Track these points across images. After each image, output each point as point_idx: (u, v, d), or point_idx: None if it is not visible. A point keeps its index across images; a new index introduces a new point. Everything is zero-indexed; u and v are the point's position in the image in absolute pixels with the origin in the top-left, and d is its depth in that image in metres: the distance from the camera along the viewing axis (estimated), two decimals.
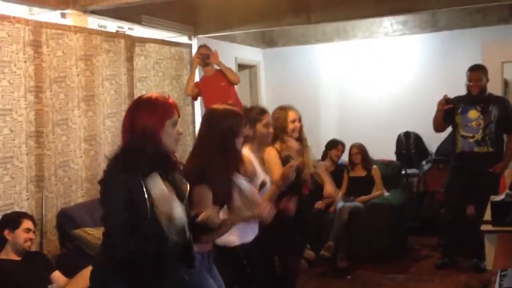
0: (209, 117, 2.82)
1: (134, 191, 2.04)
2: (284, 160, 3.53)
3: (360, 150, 5.74)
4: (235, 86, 5.54)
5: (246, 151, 3.14)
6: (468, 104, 4.81)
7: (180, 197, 2.24)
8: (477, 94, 4.75)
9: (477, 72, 4.78)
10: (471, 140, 4.77)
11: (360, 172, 5.71)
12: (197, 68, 5.54)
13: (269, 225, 2.99)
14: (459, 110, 4.82)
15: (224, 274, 2.81)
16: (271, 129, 3.35)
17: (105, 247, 2.19)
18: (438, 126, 4.97)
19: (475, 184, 4.72)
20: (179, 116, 2.24)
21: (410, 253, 5.55)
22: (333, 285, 4.82)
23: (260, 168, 3.25)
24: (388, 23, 6.92)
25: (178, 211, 2.12)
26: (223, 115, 2.76)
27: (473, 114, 4.79)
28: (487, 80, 4.80)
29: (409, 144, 6.65)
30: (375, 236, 5.32)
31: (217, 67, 5.45)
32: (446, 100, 4.70)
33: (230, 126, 2.71)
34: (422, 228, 5.90)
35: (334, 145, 5.97)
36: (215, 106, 2.87)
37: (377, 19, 6.72)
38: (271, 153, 3.53)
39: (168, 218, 2.08)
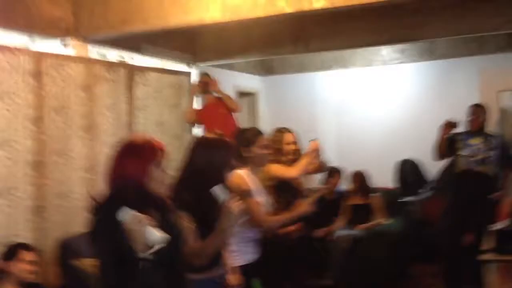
0: (199, 146, 2.79)
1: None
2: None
3: (359, 178, 5.74)
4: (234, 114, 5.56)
5: (244, 173, 3.14)
6: (468, 136, 4.92)
7: (170, 231, 2.21)
8: (476, 129, 4.87)
9: (477, 109, 4.96)
10: (472, 159, 4.81)
11: (359, 200, 5.69)
12: (199, 96, 5.59)
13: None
14: (459, 140, 4.90)
15: None
16: (266, 151, 3.32)
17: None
18: (442, 151, 5.01)
19: (473, 210, 4.69)
20: (163, 157, 2.23)
21: (411, 281, 5.50)
22: None
23: (259, 196, 3.23)
24: (386, 52, 6.98)
25: (154, 234, 2.10)
26: (214, 146, 2.75)
27: (474, 141, 4.88)
28: (484, 119, 4.95)
29: (407, 172, 6.65)
30: (376, 263, 5.27)
31: (217, 95, 5.48)
32: (449, 124, 4.83)
33: (220, 156, 2.69)
34: (423, 256, 5.85)
35: (330, 173, 5.94)
36: (206, 136, 2.89)
37: (375, 48, 6.78)
38: (272, 166, 3.54)
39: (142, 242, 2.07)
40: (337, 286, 5.08)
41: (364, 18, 5.10)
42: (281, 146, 3.77)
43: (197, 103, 5.85)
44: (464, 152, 4.85)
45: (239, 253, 3.01)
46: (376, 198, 5.68)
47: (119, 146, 2.31)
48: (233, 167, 2.85)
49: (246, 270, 3.01)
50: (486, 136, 4.89)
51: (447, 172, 5.19)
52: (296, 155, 3.90)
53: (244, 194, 2.95)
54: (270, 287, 3.35)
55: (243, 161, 3.18)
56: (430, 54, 6.77)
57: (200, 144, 2.84)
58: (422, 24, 4.97)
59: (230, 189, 2.65)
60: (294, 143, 3.84)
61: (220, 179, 2.63)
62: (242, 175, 3.13)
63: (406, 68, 7.04)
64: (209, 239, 2.48)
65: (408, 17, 4.96)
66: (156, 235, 2.11)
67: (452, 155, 4.96)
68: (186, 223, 2.44)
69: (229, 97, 5.49)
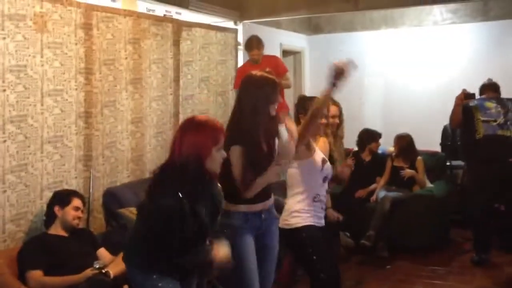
0: (246, 83, 2.91)
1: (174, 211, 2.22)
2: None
3: (405, 141, 5.66)
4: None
5: (289, 123, 3.16)
6: (483, 100, 4.82)
7: (216, 210, 2.43)
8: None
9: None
10: (494, 123, 4.69)
11: (403, 163, 5.63)
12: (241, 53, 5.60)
13: None
14: (473, 104, 4.80)
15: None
16: (324, 120, 3.32)
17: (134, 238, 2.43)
18: (457, 121, 4.92)
19: (503, 178, 4.62)
20: (225, 140, 2.36)
21: (452, 246, 5.46)
22: (372, 275, 4.80)
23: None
24: (438, 11, 6.76)
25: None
26: (259, 81, 2.84)
27: (489, 104, 4.78)
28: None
29: (455, 136, 6.50)
30: (417, 227, 5.24)
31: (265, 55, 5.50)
32: (465, 95, 4.72)
33: (264, 92, 2.80)
34: (466, 222, 5.78)
35: (373, 138, 5.84)
36: (253, 72, 2.96)
37: (427, 7, 6.58)
38: (326, 144, 3.54)
39: None
40: (376, 247, 5.10)
41: None
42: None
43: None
44: (483, 117, 4.72)
45: (303, 215, 3.08)
46: (420, 161, 5.61)
47: (187, 120, 2.43)
48: (279, 102, 2.89)
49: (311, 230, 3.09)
50: (501, 100, 4.76)
51: (469, 138, 4.98)
52: (338, 128, 3.87)
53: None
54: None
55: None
56: (484, 15, 6.52)
57: (246, 81, 2.92)
58: None
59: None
60: (338, 116, 3.80)
61: (266, 115, 2.77)
62: None
63: (458, 29, 6.81)
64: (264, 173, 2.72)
65: None
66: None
67: (469, 122, 4.81)
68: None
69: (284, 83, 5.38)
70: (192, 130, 2.31)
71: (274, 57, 5.92)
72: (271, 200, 2.97)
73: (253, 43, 5.51)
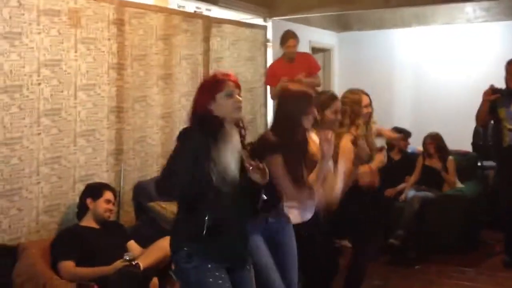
0: (282, 96, 3.11)
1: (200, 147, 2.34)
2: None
3: (436, 140, 5.59)
4: None
5: (313, 136, 3.15)
6: (509, 99, 4.62)
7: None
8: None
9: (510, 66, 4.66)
10: None
11: (435, 163, 5.55)
12: (273, 51, 5.60)
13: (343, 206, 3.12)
14: (501, 103, 4.64)
15: None
16: (339, 116, 3.33)
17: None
18: (483, 119, 4.83)
19: None
20: (238, 88, 2.49)
21: (482, 248, 5.37)
22: (401, 275, 4.75)
23: None
24: (471, 9, 6.63)
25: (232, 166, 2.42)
26: (293, 95, 2.96)
27: None
28: None
29: (487, 135, 6.39)
30: (447, 227, 5.17)
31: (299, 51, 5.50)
32: (492, 90, 4.58)
33: (299, 105, 2.88)
34: (497, 223, 5.68)
35: (403, 136, 5.77)
36: (290, 87, 3.09)
37: (459, 5, 6.47)
38: (348, 143, 3.51)
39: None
40: (405, 247, 5.05)
41: None
42: (359, 108, 3.65)
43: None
44: (509, 124, 4.58)
45: (300, 210, 3.05)
46: (451, 161, 5.53)
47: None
48: (314, 116, 2.93)
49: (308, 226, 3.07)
50: None
51: (498, 144, 4.89)
52: (369, 118, 3.84)
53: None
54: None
55: (314, 124, 3.18)
56: None
57: (282, 94, 3.13)
58: None
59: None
60: (370, 105, 3.76)
61: (300, 127, 2.88)
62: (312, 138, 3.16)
63: (491, 27, 6.69)
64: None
65: None
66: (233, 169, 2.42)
67: (494, 117, 4.71)
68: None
69: (309, 83, 5.35)
70: (198, 89, 2.53)
71: (307, 54, 5.91)
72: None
73: (289, 34, 5.50)
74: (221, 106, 2.43)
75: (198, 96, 2.49)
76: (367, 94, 3.75)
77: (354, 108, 3.60)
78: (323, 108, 3.29)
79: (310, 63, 5.62)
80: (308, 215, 3.09)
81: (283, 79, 5.12)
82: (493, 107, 4.67)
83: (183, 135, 2.40)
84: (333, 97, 3.39)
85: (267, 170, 2.44)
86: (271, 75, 5.61)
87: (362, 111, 3.62)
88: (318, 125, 3.20)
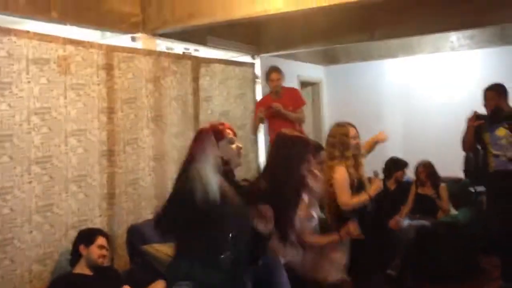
0: (279, 142, 3.00)
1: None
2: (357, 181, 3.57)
3: (428, 168, 5.62)
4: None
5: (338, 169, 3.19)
6: (494, 122, 4.67)
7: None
8: (491, 113, 4.68)
9: (489, 92, 4.78)
10: (504, 158, 4.58)
11: (428, 191, 5.58)
12: (262, 87, 5.67)
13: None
14: (485, 129, 4.69)
15: None
16: (324, 166, 3.37)
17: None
18: (469, 144, 4.86)
19: None
20: (235, 135, 2.62)
21: (481, 274, 5.34)
22: None
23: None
24: (455, 38, 6.76)
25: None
26: (291, 141, 2.92)
27: (501, 131, 4.63)
28: (505, 99, 4.73)
29: (478, 161, 6.42)
30: (444, 255, 5.15)
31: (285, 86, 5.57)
32: (476, 116, 4.65)
33: (297, 152, 2.85)
34: (491, 248, 5.66)
35: (400, 166, 5.81)
36: (284, 131, 3.02)
37: (444, 34, 6.59)
38: (342, 175, 3.54)
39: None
40: (402, 277, 5.01)
41: (431, 3, 4.97)
42: (348, 140, 3.72)
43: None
44: (494, 149, 4.63)
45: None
46: (443, 188, 5.55)
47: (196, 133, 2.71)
48: (310, 162, 2.92)
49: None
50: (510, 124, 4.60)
51: (481, 169, 4.92)
52: (358, 150, 3.89)
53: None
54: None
55: None
56: (501, 40, 6.50)
57: (279, 140, 3.02)
58: (492, 8, 4.78)
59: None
60: (357, 137, 3.82)
61: (296, 174, 2.82)
62: None
63: (476, 54, 6.80)
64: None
65: (478, 1, 4.79)
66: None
67: (479, 142, 4.77)
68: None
69: (294, 118, 5.47)
70: (198, 137, 2.60)
71: (293, 89, 5.98)
72: None
73: (270, 68, 5.63)
74: (225, 151, 2.56)
75: (195, 147, 2.55)
76: (354, 126, 3.83)
77: (343, 140, 3.66)
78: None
79: (296, 97, 5.70)
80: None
81: (261, 110, 5.39)
82: (479, 133, 4.73)
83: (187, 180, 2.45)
84: (318, 148, 3.41)
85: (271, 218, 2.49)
86: (257, 110, 5.68)
87: (351, 143, 3.69)
88: None
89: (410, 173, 6.02)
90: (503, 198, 4.63)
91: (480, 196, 6.27)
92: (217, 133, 2.57)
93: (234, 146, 2.61)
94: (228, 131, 2.63)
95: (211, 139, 2.51)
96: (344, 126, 3.77)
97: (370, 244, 3.72)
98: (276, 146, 3.01)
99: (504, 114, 4.65)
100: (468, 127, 4.76)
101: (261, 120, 5.59)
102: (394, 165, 5.80)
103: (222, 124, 2.66)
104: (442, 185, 5.58)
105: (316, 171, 3.07)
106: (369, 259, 3.70)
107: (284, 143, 2.94)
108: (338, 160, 3.63)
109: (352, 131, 3.74)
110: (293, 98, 5.66)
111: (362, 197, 3.58)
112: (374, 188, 3.58)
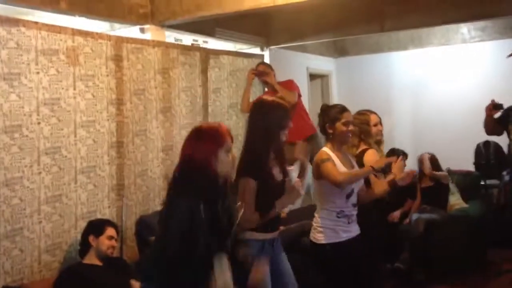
0: (258, 108, 2.97)
1: (194, 211, 2.21)
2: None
3: (435, 160, 5.59)
4: (302, 98, 5.51)
5: (327, 150, 3.15)
6: None
7: (231, 218, 2.44)
8: None
9: None
10: None
11: (428, 182, 5.56)
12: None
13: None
14: (510, 119, 4.69)
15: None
16: (351, 127, 3.23)
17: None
18: (492, 129, 4.88)
19: None
20: (232, 141, 2.38)
21: (490, 267, 5.30)
22: None
23: (342, 167, 3.19)
24: (466, 30, 6.70)
25: None
26: (270, 107, 2.89)
27: None
28: None
29: (489, 154, 6.38)
30: (453, 248, 5.13)
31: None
32: (493, 105, 4.65)
33: (276, 118, 2.84)
34: (504, 241, 5.63)
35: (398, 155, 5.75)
36: (264, 97, 3.04)
37: (454, 25, 6.53)
38: (373, 156, 3.53)
39: None
40: (411, 270, 4.99)
41: None
42: (369, 128, 3.72)
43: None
44: None
45: (328, 231, 3.06)
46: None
47: (193, 129, 2.47)
48: (289, 129, 2.89)
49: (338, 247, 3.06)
50: None
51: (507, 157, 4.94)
52: (380, 136, 3.90)
53: (322, 161, 3.04)
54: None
55: (328, 138, 3.19)
56: None
57: (257, 106, 3.00)
58: None
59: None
60: (378, 123, 3.83)
61: (276, 140, 2.80)
62: (325, 151, 3.14)
63: (487, 47, 6.73)
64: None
65: None
66: None
67: (504, 130, 4.78)
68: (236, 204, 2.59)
69: (283, 90, 5.25)
70: (199, 137, 2.37)
71: (288, 80, 5.84)
72: (280, 228, 3.03)
73: (259, 62, 5.51)
74: (222, 161, 2.31)
75: (199, 147, 2.31)
76: (375, 113, 3.84)
77: (363, 128, 3.67)
78: (334, 121, 3.17)
79: (287, 84, 5.51)
80: (341, 236, 3.08)
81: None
82: (505, 122, 4.74)
83: (177, 197, 2.30)
84: (342, 109, 3.26)
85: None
86: None
87: (372, 130, 3.73)
88: (331, 139, 3.19)
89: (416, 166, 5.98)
90: None
91: (490, 189, 6.26)
92: (220, 137, 2.34)
93: (230, 156, 2.36)
94: (228, 137, 2.38)
95: (216, 148, 2.30)
96: (364, 113, 3.82)
97: (377, 238, 3.72)
98: (254, 113, 2.94)
99: None
100: (487, 116, 4.79)
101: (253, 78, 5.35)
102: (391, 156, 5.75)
103: (223, 127, 2.42)
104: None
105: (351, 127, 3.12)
106: (377, 252, 3.68)
107: (262, 109, 2.90)
108: (356, 148, 3.66)
109: (374, 118, 3.80)
110: (286, 86, 5.54)
111: (354, 171, 3.38)
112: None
